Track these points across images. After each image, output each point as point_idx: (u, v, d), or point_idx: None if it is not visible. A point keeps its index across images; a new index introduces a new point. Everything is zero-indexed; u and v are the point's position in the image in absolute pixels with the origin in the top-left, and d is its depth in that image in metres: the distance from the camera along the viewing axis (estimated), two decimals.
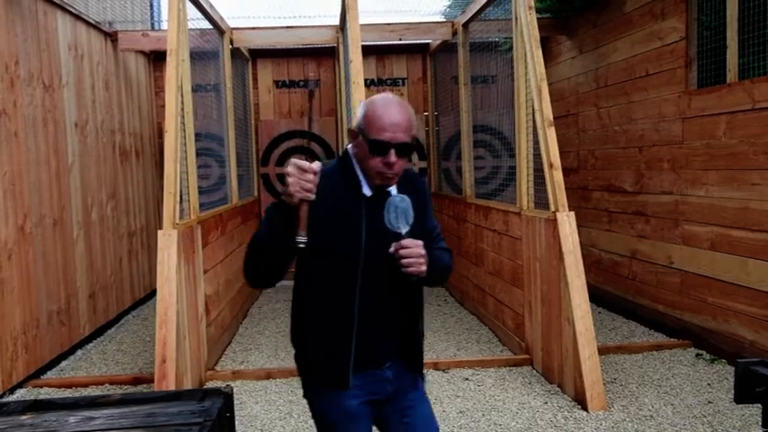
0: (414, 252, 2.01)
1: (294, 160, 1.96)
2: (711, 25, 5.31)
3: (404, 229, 2.04)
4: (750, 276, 4.82)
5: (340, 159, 2.21)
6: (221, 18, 6.88)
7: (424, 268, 2.03)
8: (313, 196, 1.95)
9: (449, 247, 2.38)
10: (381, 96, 2.14)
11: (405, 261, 2.00)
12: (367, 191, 2.14)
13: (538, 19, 5.29)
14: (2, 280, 4.82)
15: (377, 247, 2.07)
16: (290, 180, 1.93)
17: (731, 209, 5.01)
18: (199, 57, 6.23)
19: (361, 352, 2.13)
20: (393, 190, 2.16)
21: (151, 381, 4.67)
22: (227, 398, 1.71)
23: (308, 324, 2.23)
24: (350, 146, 2.20)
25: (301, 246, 1.97)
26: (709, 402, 4.33)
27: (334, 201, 2.10)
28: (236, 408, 4.29)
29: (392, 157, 2.05)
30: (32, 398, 4.39)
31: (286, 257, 2.10)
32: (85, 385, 5.04)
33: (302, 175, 1.93)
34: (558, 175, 4.78)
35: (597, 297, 6.85)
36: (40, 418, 1.62)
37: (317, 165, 1.96)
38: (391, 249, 2.02)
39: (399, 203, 2.05)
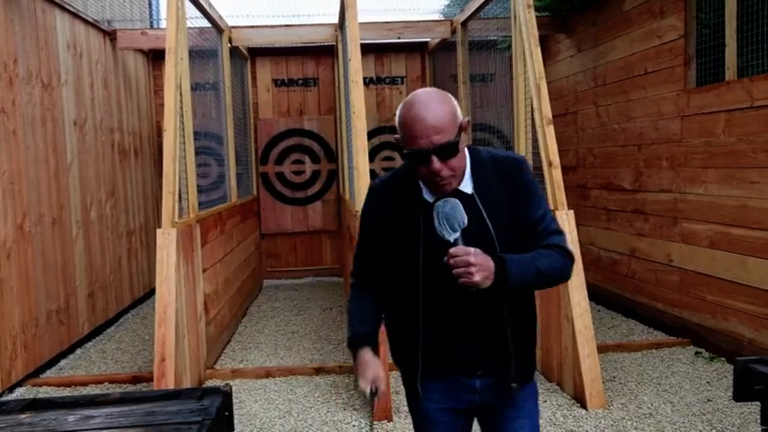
0: (460, 261, 1.80)
1: (362, 387, 2.01)
2: (710, 23, 5.31)
3: (449, 236, 1.86)
4: (750, 275, 4.82)
5: (406, 164, 2.06)
6: (220, 17, 6.88)
7: (477, 279, 1.79)
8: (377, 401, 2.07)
9: (562, 244, 1.99)
10: (410, 98, 1.93)
11: (455, 272, 1.81)
12: (428, 197, 1.98)
13: (537, 17, 5.28)
14: (1, 279, 4.81)
15: (437, 256, 1.89)
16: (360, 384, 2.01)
17: (730, 207, 5.01)
18: (198, 55, 6.22)
19: (433, 358, 2.02)
20: (467, 188, 1.97)
21: (150, 379, 4.67)
22: (225, 396, 1.71)
23: (388, 329, 2.19)
24: None
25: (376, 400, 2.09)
26: (708, 400, 4.33)
27: (394, 208, 2.02)
28: (235, 406, 4.30)
29: (435, 164, 1.86)
30: (32, 397, 4.39)
31: None
32: (85, 384, 5.04)
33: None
34: (557, 174, 4.78)
35: (596, 295, 6.86)
36: (39, 417, 1.62)
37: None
38: (445, 259, 1.84)
39: (442, 208, 1.88)
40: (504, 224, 1.92)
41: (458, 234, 1.85)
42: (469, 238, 1.86)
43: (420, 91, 1.93)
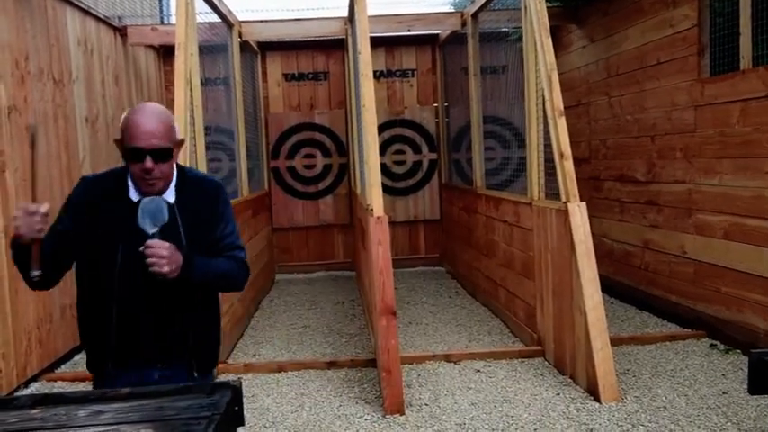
0: (155, 252, 2.09)
1: (22, 204, 2.09)
2: (724, 12, 5.24)
3: (150, 230, 2.13)
4: (765, 266, 4.77)
5: (123, 167, 2.32)
6: (230, 11, 6.88)
7: (166, 269, 2.09)
8: (42, 235, 2.07)
9: (242, 258, 2.40)
10: (139, 105, 2.27)
11: (148, 261, 2.09)
12: (134, 196, 2.25)
13: (548, 8, 5.24)
14: (15, 275, 4.84)
15: (136, 252, 2.14)
16: (17, 223, 2.05)
17: (745, 198, 4.95)
18: (208, 50, 6.23)
19: (123, 351, 2.26)
20: (170, 197, 2.27)
21: None
22: (235, 391, 1.70)
23: (82, 318, 2.35)
24: None
25: (36, 279, 2.13)
26: (723, 393, 4.30)
27: (99, 204, 2.25)
28: (248, 401, 4.32)
29: (148, 162, 2.15)
30: (46, 391, 4.43)
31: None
32: None
33: (30, 217, 2.04)
34: (570, 166, 4.74)
35: (609, 287, 6.81)
36: (50, 412, 1.63)
37: (44, 207, 2.07)
38: (141, 248, 2.11)
39: (147, 205, 2.15)
40: (195, 234, 2.25)
41: (157, 229, 2.13)
42: (166, 239, 2.14)
43: (149, 103, 2.30)
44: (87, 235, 2.23)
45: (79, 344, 5.77)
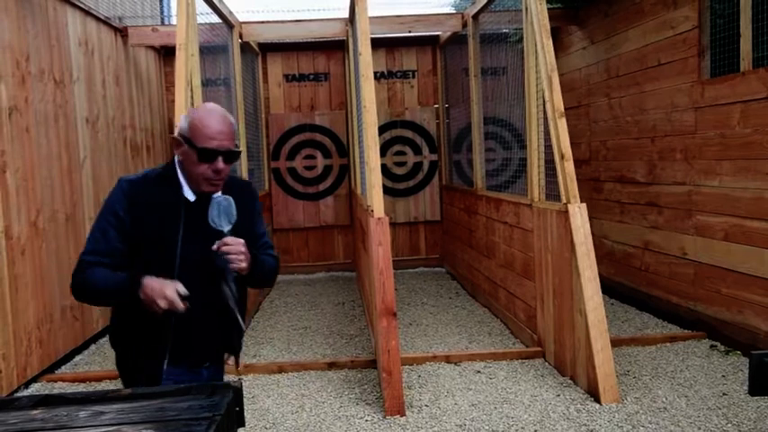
0: (234, 249, 2.14)
1: (171, 297, 2.08)
2: (724, 13, 5.25)
3: (226, 228, 2.16)
4: (765, 267, 4.77)
5: (165, 166, 2.33)
6: (230, 12, 6.88)
7: (244, 265, 2.16)
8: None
9: (277, 255, 2.51)
10: (204, 106, 2.28)
11: (229, 257, 2.13)
12: (190, 195, 2.27)
13: (548, 9, 5.24)
14: (16, 275, 4.85)
15: (195, 249, 2.19)
16: (167, 301, 2.08)
17: (746, 199, 4.96)
18: (208, 51, 6.23)
19: (178, 352, 2.25)
20: (217, 195, 2.26)
21: None
22: (236, 392, 1.70)
23: (130, 325, 2.29)
24: (176, 156, 2.30)
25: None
26: (723, 394, 4.30)
27: (154, 205, 2.23)
28: (248, 401, 4.32)
29: (220, 163, 2.19)
30: (46, 392, 4.43)
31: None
32: (99, 379, 5.07)
33: (174, 304, 2.09)
34: (570, 167, 4.75)
35: (610, 289, 6.81)
36: (51, 413, 1.62)
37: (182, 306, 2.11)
38: (214, 246, 2.14)
39: (222, 202, 2.18)
40: (241, 230, 2.25)
41: (231, 227, 2.17)
42: (212, 235, 2.17)
43: (214, 104, 2.30)
44: (142, 237, 2.21)
45: (80, 344, 5.80)
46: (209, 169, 2.19)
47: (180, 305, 2.09)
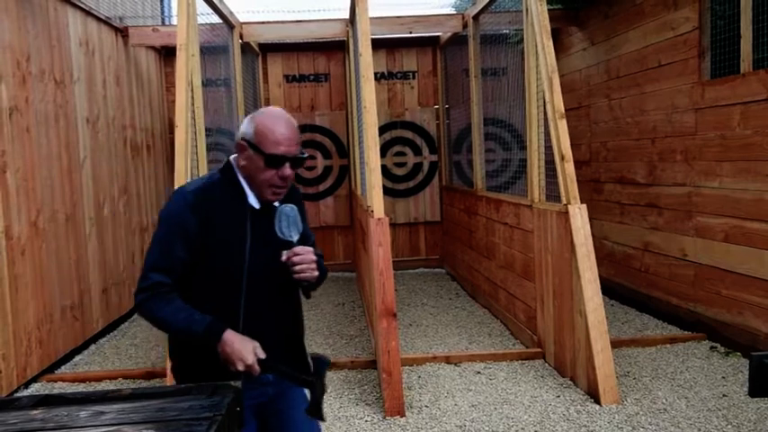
0: (306, 258, 2.11)
1: (251, 362, 2.03)
2: (725, 14, 5.25)
3: (295, 238, 2.14)
4: (765, 268, 4.77)
5: (222, 172, 2.23)
6: (231, 13, 6.88)
7: (316, 273, 2.14)
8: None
9: (321, 253, 2.43)
10: (269, 110, 2.20)
11: (298, 267, 2.09)
12: (254, 203, 2.19)
13: (549, 10, 5.25)
14: (16, 275, 4.85)
15: (262, 258, 2.15)
16: (239, 367, 2.03)
17: (746, 200, 4.96)
18: (209, 52, 6.23)
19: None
20: (282, 204, 2.22)
21: (164, 375, 4.69)
22: (237, 392, 1.70)
23: (193, 347, 2.19)
24: (233, 158, 2.22)
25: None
26: (723, 396, 4.30)
27: (218, 214, 2.14)
28: None
29: (287, 170, 2.13)
30: (46, 392, 4.42)
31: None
32: (99, 380, 5.07)
33: (251, 369, 2.04)
34: (570, 168, 4.75)
35: (610, 290, 6.81)
36: (51, 413, 1.62)
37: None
38: (283, 258, 2.10)
39: (290, 213, 2.15)
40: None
41: (299, 236, 2.15)
42: (277, 244, 2.14)
43: (278, 108, 2.23)
44: (209, 248, 2.13)
45: (80, 344, 5.80)
46: (276, 176, 2.13)
47: (257, 371, 2.04)
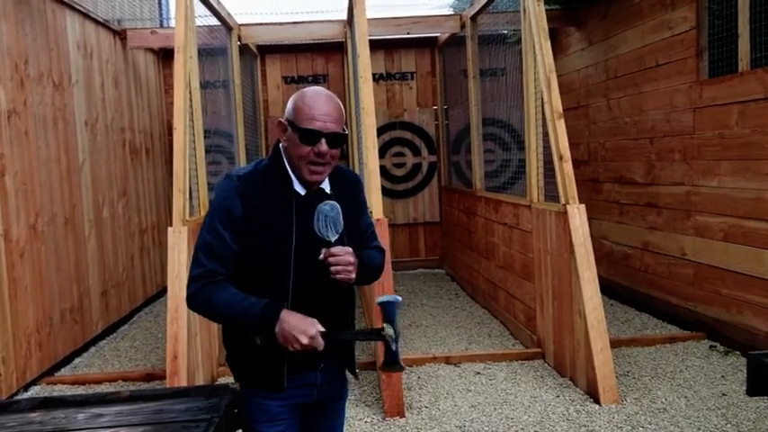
0: (342, 260, 2.02)
1: (313, 334, 1.97)
2: (722, 14, 5.25)
3: (332, 238, 2.04)
4: (764, 267, 4.77)
5: (270, 158, 2.19)
6: (229, 14, 6.88)
7: (353, 276, 2.05)
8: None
9: (383, 247, 2.36)
10: (310, 88, 2.14)
11: (333, 269, 2.02)
12: (300, 189, 2.13)
13: (546, 10, 5.25)
14: (15, 278, 4.85)
15: (308, 247, 2.06)
16: (303, 341, 1.96)
17: (745, 199, 4.96)
18: (207, 53, 6.23)
19: (297, 355, 2.07)
20: (326, 187, 2.17)
21: (163, 377, 4.68)
22: (235, 394, 1.71)
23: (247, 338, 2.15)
24: (281, 143, 2.17)
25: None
26: (723, 395, 4.30)
27: (265, 201, 2.10)
28: None
29: (323, 146, 2.04)
30: (46, 395, 4.42)
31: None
32: (99, 382, 5.07)
33: (314, 342, 1.98)
34: (569, 168, 4.75)
35: (609, 289, 6.82)
36: (50, 416, 1.63)
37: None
38: (321, 257, 2.03)
39: (329, 212, 2.05)
40: (349, 225, 2.12)
41: (338, 236, 2.04)
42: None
43: (320, 87, 2.16)
44: (257, 234, 2.09)
45: (79, 347, 5.80)
46: (312, 152, 2.05)
47: (321, 344, 1.98)
